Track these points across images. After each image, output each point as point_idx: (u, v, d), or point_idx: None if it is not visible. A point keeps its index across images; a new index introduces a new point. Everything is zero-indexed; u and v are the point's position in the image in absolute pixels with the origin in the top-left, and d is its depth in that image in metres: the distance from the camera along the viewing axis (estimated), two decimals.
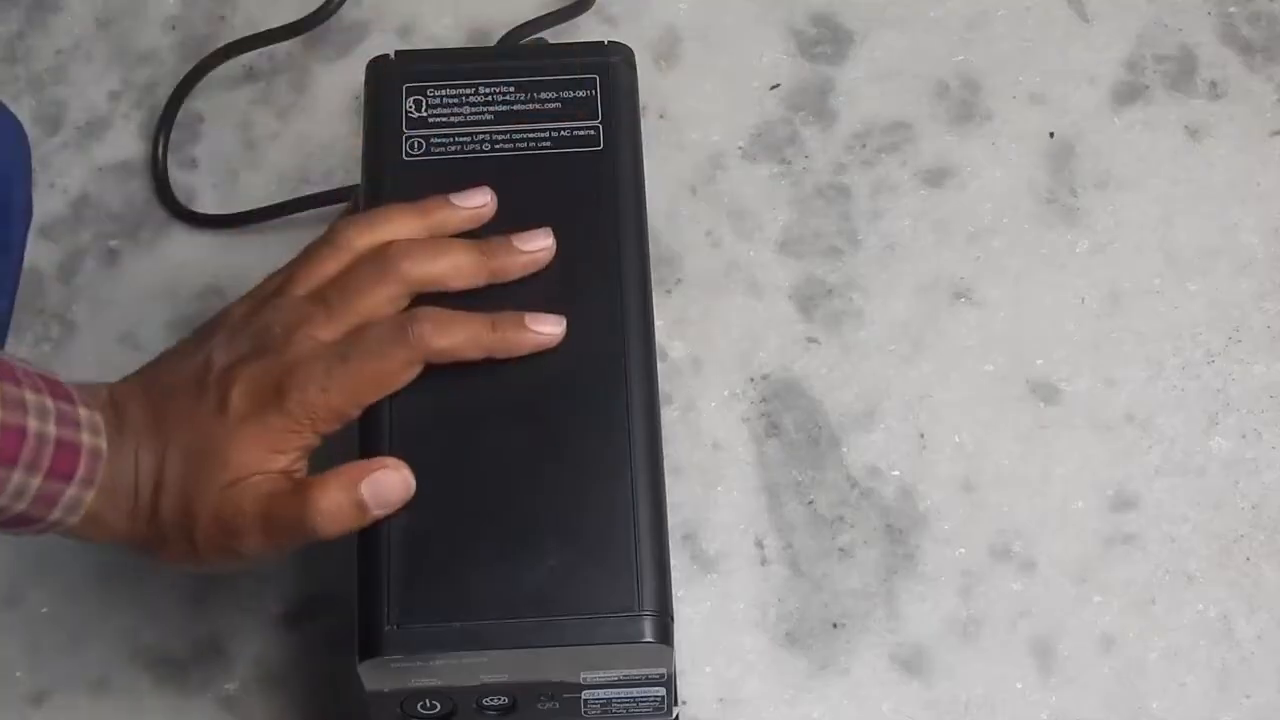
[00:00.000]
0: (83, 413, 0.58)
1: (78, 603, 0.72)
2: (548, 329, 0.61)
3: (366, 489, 0.57)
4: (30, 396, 0.56)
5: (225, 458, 0.58)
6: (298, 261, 0.62)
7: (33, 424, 0.55)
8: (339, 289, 0.60)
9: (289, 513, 0.58)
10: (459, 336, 0.60)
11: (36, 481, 0.56)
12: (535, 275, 0.62)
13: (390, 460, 0.58)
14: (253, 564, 0.61)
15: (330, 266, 0.61)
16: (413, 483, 0.58)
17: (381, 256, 0.61)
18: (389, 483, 0.58)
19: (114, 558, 0.72)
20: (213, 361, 0.60)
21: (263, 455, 0.58)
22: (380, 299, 0.60)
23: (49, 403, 0.56)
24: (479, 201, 0.63)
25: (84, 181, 0.81)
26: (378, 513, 0.58)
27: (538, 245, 0.62)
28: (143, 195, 0.81)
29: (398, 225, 0.62)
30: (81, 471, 0.57)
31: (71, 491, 0.57)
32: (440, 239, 0.63)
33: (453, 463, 0.59)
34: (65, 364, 0.76)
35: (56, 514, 0.58)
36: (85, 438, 0.57)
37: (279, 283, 0.62)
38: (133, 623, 0.72)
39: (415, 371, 0.60)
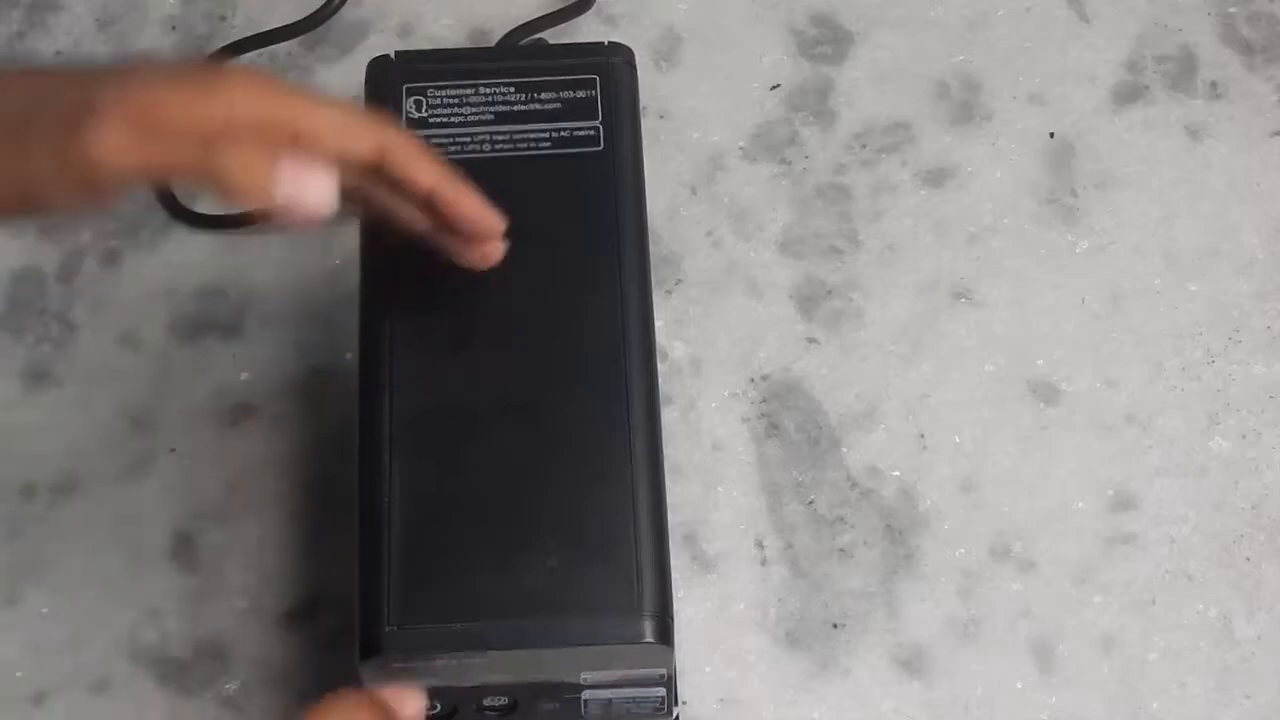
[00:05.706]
0: None
1: (78, 603, 0.72)
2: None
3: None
4: None
5: None
6: None
7: None
8: None
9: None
10: None
11: None
12: (535, 275, 0.62)
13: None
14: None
15: None
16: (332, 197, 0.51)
17: None
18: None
19: (114, 558, 0.73)
20: None
21: None
22: None
23: None
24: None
25: None
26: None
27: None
28: (143, 195, 0.81)
29: None
30: None
31: None
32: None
33: (453, 462, 0.59)
34: (65, 364, 0.76)
35: None
36: None
37: None
38: (133, 623, 0.72)
39: None
